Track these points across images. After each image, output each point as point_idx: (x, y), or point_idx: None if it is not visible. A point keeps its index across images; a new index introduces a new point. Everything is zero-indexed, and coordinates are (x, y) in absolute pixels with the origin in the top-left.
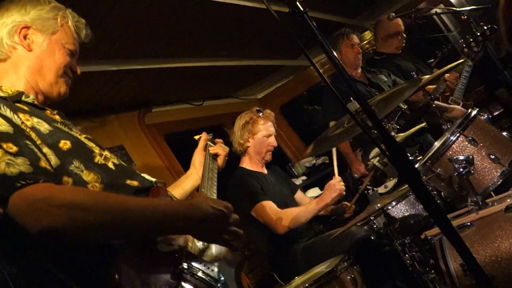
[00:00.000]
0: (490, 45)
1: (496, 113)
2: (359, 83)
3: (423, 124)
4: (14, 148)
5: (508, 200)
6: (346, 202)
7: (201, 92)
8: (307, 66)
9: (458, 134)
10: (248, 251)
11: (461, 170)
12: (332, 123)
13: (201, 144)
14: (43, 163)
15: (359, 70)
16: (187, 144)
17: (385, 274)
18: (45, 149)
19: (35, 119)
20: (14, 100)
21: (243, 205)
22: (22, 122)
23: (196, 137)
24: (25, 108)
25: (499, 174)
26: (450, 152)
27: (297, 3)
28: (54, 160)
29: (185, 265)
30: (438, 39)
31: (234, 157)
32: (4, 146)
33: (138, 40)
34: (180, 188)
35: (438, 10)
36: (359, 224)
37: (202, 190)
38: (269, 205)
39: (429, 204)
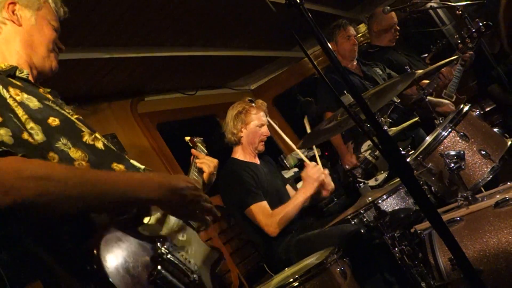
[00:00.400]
0: (484, 41)
1: (488, 109)
2: (353, 75)
3: (416, 119)
4: None
5: (498, 196)
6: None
7: (194, 82)
8: (301, 57)
9: (449, 130)
10: (215, 218)
11: (452, 165)
12: (327, 114)
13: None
14: (26, 135)
15: (355, 62)
16: (179, 134)
17: (374, 267)
18: (31, 124)
19: (25, 95)
20: (7, 75)
21: (237, 202)
22: (11, 96)
23: (187, 138)
24: (18, 83)
25: (489, 170)
26: (442, 147)
27: None
28: (40, 136)
29: (164, 251)
30: (433, 33)
31: (227, 148)
32: None
33: (131, 28)
34: None
35: (433, 4)
36: (349, 217)
37: None
38: (262, 208)
39: (420, 198)
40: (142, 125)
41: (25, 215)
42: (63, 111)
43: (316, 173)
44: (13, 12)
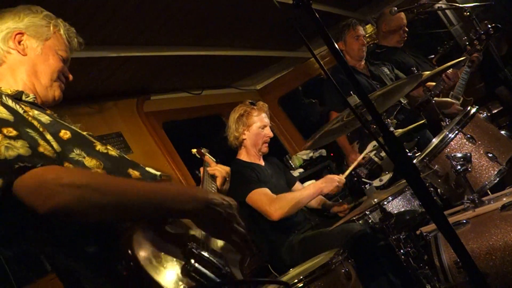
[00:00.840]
0: (492, 43)
1: (495, 111)
2: (360, 75)
3: (423, 121)
4: (13, 132)
5: (504, 199)
6: (345, 205)
7: (200, 81)
8: (307, 58)
9: (456, 132)
10: (249, 251)
11: (459, 167)
12: (333, 114)
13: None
14: (42, 149)
15: (363, 62)
16: (185, 133)
17: (379, 268)
18: (48, 136)
19: (36, 111)
20: (14, 98)
21: (238, 193)
22: (25, 111)
23: (193, 150)
24: (26, 105)
25: (496, 172)
26: (448, 149)
27: None
28: (56, 146)
29: (194, 245)
30: (440, 34)
31: (232, 152)
32: (4, 131)
33: (138, 27)
34: None
35: (441, 5)
36: (355, 218)
37: None
38: (264, 191)
39: (426, 200)
40: (148, 124)
41: (63, 220)
42: (72, 126)
43: (340, 182)
44: (19, 42)
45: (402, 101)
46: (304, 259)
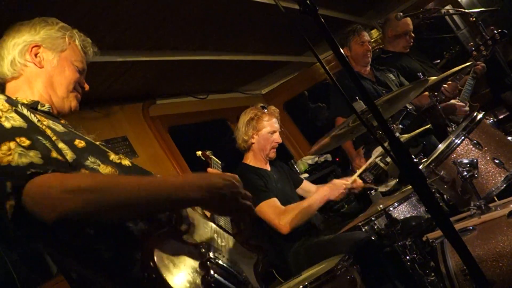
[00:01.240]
0: (498, 48)
1: (502, 116)
2: (366, 80)
3: (428, 126)
4: (27, 142)
5: (511, 206)
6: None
7: (205, 86)
8: (313, 63)
9: (463, 137)
10: (261, 253)
11: (465, 173)
12: (339, 120)
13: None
14: (54, 154)
15: (368, 68)
16: (190, 137)
17: (385, 275)
18: (61, 145)
19: (51, 121)
20: (30, 108)
21: None
22: (39, 120)
23: (198, 153)
24: (41, 114)
25: (503, 179)
26: (454, 155)
27: (307, 1)
28: (70, 154)
29: (212, 255)
30: (446, 39)
31: (238, 154)
32: (18, 140)
33: (144, 32)
34: None
35: (447, 11)
36: (360, 224)
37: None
38: (273, 203)
39: (432, 206)
40: (154, 128)
41: (74, 227)
42: (86, 137)
43: (344, 184)
44: (36, 55)
45: (408, 107)
46: (309, 265)
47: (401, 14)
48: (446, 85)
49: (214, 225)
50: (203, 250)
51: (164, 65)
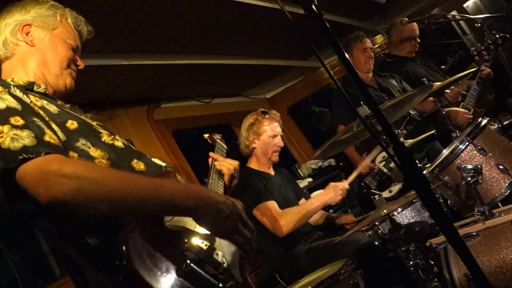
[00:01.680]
0: (503, 54)
1: (506, 122)
2: (368, 87)
3: (433, 131)
4: (20, 121)
5: None
6: (351, 217)
7: (210, 90)
8: (317, 67)
9: (467, 143)
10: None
11: (469, 179)
12: (340, 127)
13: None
14: (47, 137)
15: (370, 74)
16: (194, 141)
17: (388, 280)
18: (53, 126)
19: (45, 102)
20: (25, 89)
21: (245, 203)
22: (31, 102)
23: (206, 135)
24: (37, 95)
25: (507, 184)
26: (459, 161)
27: (313, 6)
28: (61, 135)
29: (191, 244)
30: (451, 44)
31: (243, 157)
32: (12, 120)
33: (149, 36)
34: None
35: (452, 16)
36: (364, 229)
37: None
38: (271, 206)
39: (436, 211)
40: (158, 131)
41: (63, 211)
42: (81, 116)
43: (341, 186)
44: (27, 33)
45: (411, 112)
46: (312, 269)
47: (406, 19)
48: (448, 90)
49: None
50: (184, 238)
51: (168, 69)
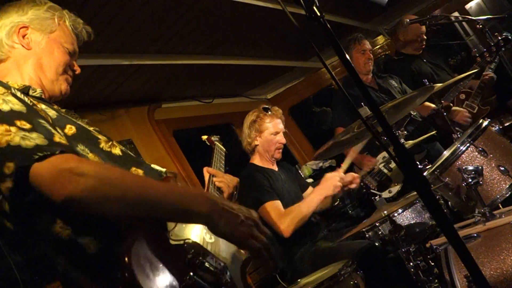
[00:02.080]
0: (505, 55)
1: (508, 124)
2: (368, 88)
3: (433, 132)
4: (27, 125)
5: None
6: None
7: (211, 90)
8: (318, 68)
9: (468, 144)
10: (273, 264)
11: (470, 180)
12: (339, 130)
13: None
14: (57, 138)
15: (369, 76)
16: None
17: (388, 281)
18: (58, 129)
19: (43, 105)
20: (21, 93)
21: (250, 200)
22: (34, 104)
23: (204, 137)
24: (34, 99)
25: (508, 186)
26: (459, 162)
27: (314, 7)
28: (64, 140)
29: (193, 255)
30: (453, 46)
31: (244, 156)
32: (18, 123)
33: (151, 36)
34: None
35: (453, 18)
36: (364, 230)
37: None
38: (275, 205)
39: (436, 213)
40: (159, 131)
41: (76, 210)
42: (79, 121)
43: (337, 176)
44: (23, 36)
45: (412, 113)
46: (313, 270)
47: (408, 20)
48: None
49: None
50: (186, 248)
51: (169, 69)
